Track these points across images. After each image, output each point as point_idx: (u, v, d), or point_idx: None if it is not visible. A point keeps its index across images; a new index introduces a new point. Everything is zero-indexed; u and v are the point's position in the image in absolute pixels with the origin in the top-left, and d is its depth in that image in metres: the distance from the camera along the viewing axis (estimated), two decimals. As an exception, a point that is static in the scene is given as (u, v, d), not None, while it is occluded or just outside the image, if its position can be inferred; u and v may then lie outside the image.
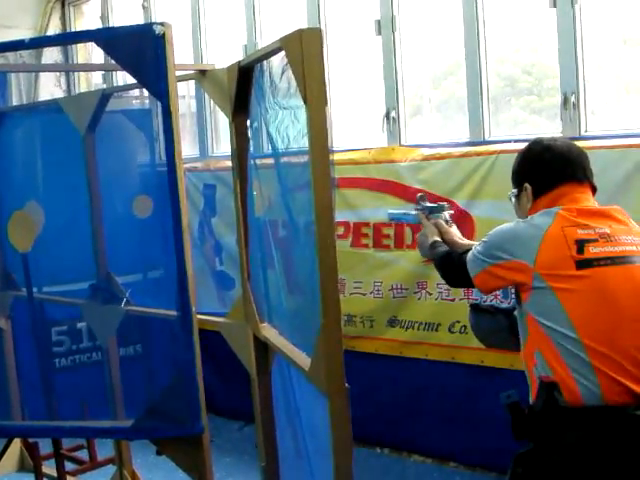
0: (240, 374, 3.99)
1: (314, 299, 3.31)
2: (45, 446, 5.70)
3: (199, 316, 3.70)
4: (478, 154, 5.47)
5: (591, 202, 3.19)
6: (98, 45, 2.73)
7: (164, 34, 2.56)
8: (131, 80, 6.92)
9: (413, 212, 3.98)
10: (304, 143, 3.37)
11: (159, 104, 7.02)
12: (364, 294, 6.09)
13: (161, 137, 6.85)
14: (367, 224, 6.05)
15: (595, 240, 2.99)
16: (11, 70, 7.58)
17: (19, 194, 5.47)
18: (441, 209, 3.93)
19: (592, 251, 2.96)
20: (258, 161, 3.78)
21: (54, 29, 8.41)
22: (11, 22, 8.13)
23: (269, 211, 4.03)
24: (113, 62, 7.57)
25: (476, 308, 3.68)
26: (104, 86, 8.15)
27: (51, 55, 8.11)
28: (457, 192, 5.54)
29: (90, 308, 4.86)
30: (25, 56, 7.63)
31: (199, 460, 2.84)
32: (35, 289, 5.34)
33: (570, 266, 2.94)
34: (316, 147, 2.82)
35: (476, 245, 3.25)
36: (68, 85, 8.44)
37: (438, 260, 3.60)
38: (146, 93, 7.54)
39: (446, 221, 3.87)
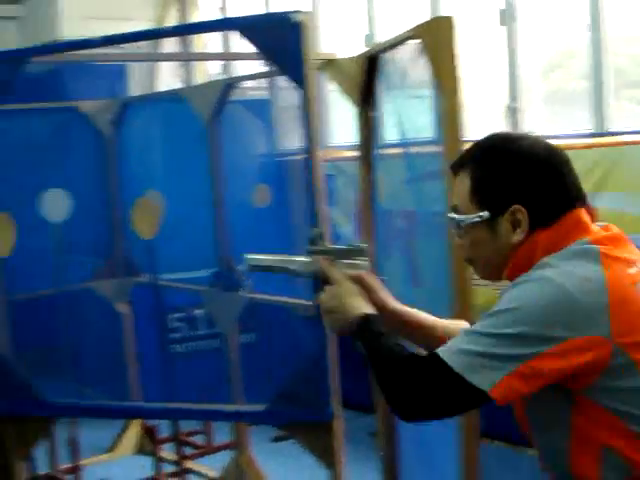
0: (356, 362, 4.00)
1: (442, 289, 3.30)
2: (162, 430, 5.81)
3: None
4: (603, 145, 5.37)
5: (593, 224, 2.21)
6: (240, 33, 2.75)
7: (303, 22, 2.58)
8: (252, 71, 7.01)
9: (301, 258, 2.31)
10: (433, 132, 3.38)
11: (279, 95, 7.19)
12: (486, 285, 6.02)
13: (277, 127, 7.02)
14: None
15: None
16: (142, 60, 7.78)
17: (141, 182, 5.59)
18: (358, 253, 2.28)
19: None
20: (384, 150, 3.79)
21: (172, 21, 8.55)
22: (130, 14, 8.29)
23: (394, 200, 4.04)
24: (233, 52, 7.74)
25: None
26: (222, 77, 8.25)
27: (168, 47, 8.24)
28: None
29: (211, 295, 4.93)
30: (144, 47, 7.74)
31: (330, 446, 2.86)
32: (155, 276, 5.46)
33: None
34: (449, 136, 2.82)
35: (471, 331, 1.98)
36: (186, 76, 8.57)
37: (382, 365, 2.02)
38: (265, 83, 7.65)
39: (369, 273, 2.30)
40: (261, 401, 3.52)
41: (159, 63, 8.35)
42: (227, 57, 7.05)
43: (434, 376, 1.92)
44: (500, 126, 6.21)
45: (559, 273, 1.99)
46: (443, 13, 6.55)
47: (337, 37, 7.59)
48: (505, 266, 2.11)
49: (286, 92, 7.77)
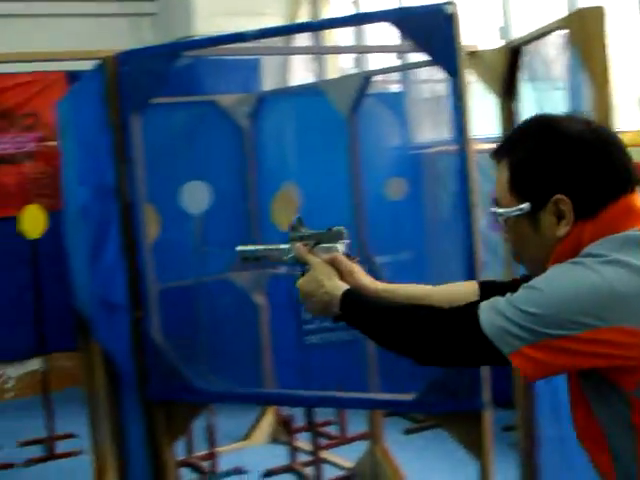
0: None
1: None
2: (296, 421, 5.89)
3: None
4: None
5: None
6: (392, 25, 2.79)
7: (455, 13, 2.60)
8: (385, 64, 7.03)
9: (284, 246, 2.41)
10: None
11: (412, 88, 7.18)
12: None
13: (411, 121, 7.03)
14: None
15: None
16: (293, 53, 7.97)
17: (278, 175, 5.68)
18: (337, 236, 2.35)
19: None
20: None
21: (304, 17, 8.62)
22: (262, 10, 8.39)
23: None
24: (366, 45, 7.76)
25: None
26: (354, 71, 8.29)
27: (300, 41, 8.32)
28: None
29: (350, 287, 4.95)
30: (277, 41, 7.82)
31: (479, 436, 2.87)
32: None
33: None
34: (601, 127, 2.79)
35: (506, 300, 1.91)
36: (319, 70, 8.63)
37: (389, 324, 2.09)
38: (398, 77, 7.67)
39: (346, 255, 2.35)
40: (399, 391, 3.56)
41: (292, 57, 8.43)
42: (374, 50, 7.08)
43: (464, 327, 1.93)
44: (635, 117, 6.10)
45: (599, 262, 1.84)
46: (580, 4, 6.46)
47: (471, 29, 7.56)
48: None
49: (420, 85, 7.81)
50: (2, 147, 7.62)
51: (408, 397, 2.76)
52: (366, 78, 4.77)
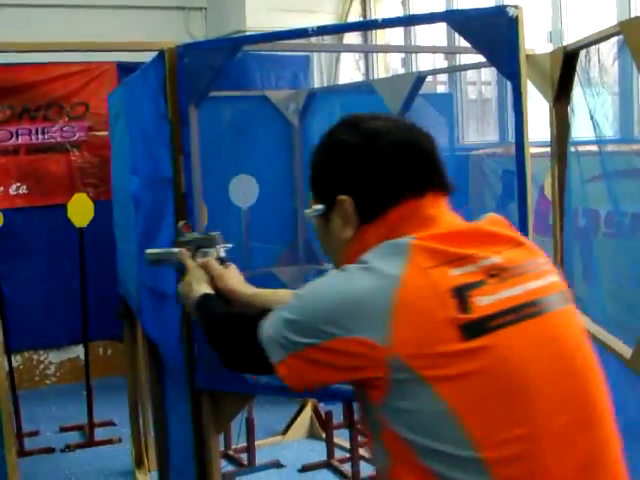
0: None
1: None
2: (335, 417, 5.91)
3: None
4: None
5: (457, 220, 1.90)
6: (452, 26, 2.81)
7: (518, 16, 2.62)
8: (434, 65, 7.04)
9: (176, 250, 2.65)
10: (637, 130, 3.36)
11: (459, 89, 7.19)
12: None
13: (457, 122, 7.04)
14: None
15: (481, 283, 1.74)
16: (349, 50, 8.00)
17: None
18: (212, 242, 2.58)
19: (481, 303, 1.71)
20: (578, 147, 3.77)
21: (355, 15, 8.65)
22: (314, 7, 8.42)
23: (583, 198, 4.01)
24: (415, 45, 7.77)
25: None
26: (402, 71, 8.31)
27: (349, 39, 8.34)
28: None
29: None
30: (327, 39, 7.87)
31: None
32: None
33: (452, 336, 1.67)
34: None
35: (280, 308, 1.88)
36: (367, 69, 8.66)
37: (209, 326, 2.19)
38: (445, 78, 7.68)
39: (220, 260, 2.54)
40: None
41: (342, 55, 8.46)
42: (429, 50, 7.13)
43: (247, 337, 1.90)
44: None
45: (356, 268, 1.77)
46: (633, 11, 6.42)
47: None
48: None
49: (468, 87, 7.81)
50: (51, 135, 7.70)
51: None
52: (419, 78, 4.78)
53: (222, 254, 2.53)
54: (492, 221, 1.90)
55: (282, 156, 5.86)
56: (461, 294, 1.70)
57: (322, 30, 3.10)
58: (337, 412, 5.88)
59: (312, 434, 6.40)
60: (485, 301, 1.71)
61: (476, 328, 1.68)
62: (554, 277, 1.87)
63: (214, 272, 2.46)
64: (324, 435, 6.05)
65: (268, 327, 1.85)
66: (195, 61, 3.09)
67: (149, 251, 2.84)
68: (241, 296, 2.48)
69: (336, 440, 5.90)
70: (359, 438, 5.48)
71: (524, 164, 2.73)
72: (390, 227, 1.85)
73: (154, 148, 3.50)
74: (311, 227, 5.70)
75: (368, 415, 1.84)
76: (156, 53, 3.34)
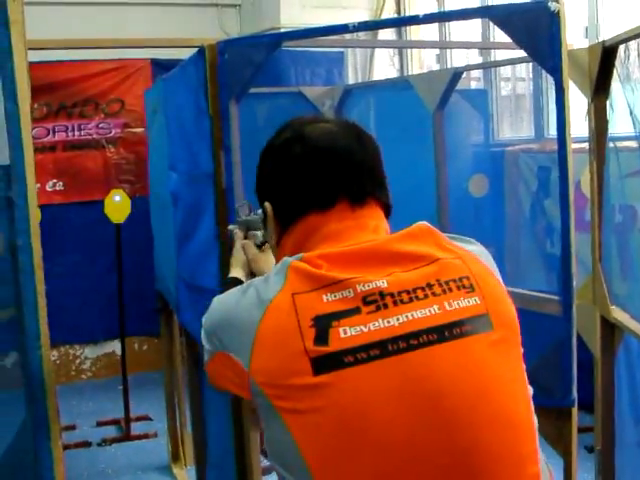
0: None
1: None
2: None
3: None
4: None
5: (370, 236, 1.75)
6: (493, 21, 2.80)
7: (560, 11, 2.61)
8: (469, 61, 7.03)
9: (230, 227, 2.64)
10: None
11: (495, 85, 7.17)
12: None
13: (493, 118, 7.02)
14: None
15: (353, 311, 1.60)
16: (389, 46, 8.02)
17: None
18: (258, 224, 2.38)
19: (344, 335, 1.58)
20: (617, 143, 3.75)
21: (389, 11, 8.64)
22: (348, 3, 8.43)
23: (621, 194, 4.00)
24: (450, 41, 7.76)
25: None
26: (436, 67, 8.30)
27: (385, 35, 8.34)
28: None
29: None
30: (361, 35, 7.88)
31: (567, 433, 2.88)
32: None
33: (304, 369, 1.58)
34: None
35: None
36: (401, 65, 8.65)
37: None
38: (479, 74, 7.67)
39: (261, 243, 2.44)
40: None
41: (376, 51, 8.47)
42: (472, 46, 7.11)
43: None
44: None
45: (248, 285, 1.75)
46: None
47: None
48: None
49: (502, 83, 7.79)
50: (87, 132, 7.75)
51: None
52: (456, 74, 4.77)
53: (260, 238, 2.44)
54: (410, 234, 1.75)
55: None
56: (323, 324, 1.59)
57: (362, 26, 3.11)
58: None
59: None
60: (350, 332, 1.59)
61: (326, 363, 1.57)
62: (464, 301, 1.66)
63: (249, 255, 2.41)
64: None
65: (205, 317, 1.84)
66: (235, 57, 3.11)
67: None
68: None
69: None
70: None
71: (566, 161, 2.72)
72: (296, 240, 1.80)
73: (194, 144, 3.53)
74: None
75: None
76: (194, 50, 3.36)
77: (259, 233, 2.43)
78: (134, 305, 6.71)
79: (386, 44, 8.03)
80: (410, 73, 8.32)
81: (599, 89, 3.68)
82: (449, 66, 7.78)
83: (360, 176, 1.79)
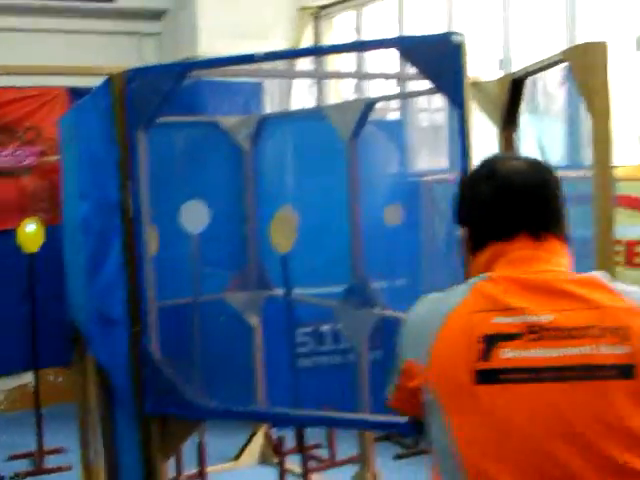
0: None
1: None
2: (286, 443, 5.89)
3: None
4: None
5: (550, 266, 1.97)
6: (400, 52, 2.83)
7: (462, 43, 2.65)
8: (383, 92, 7.08)
9: None
10: (582, 155, 3.41)
11: (409, 116, 7.23)
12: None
13: (409, 148, 7.08)
14: (619, 242, 5.95)
15: (517, 336, 1.84)
16: (304, 76, 8.05)
17: (277, 197, 5.71)
18: None
19: (504, 355, 1.84)
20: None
21: (308, 41, 8.69)
22: (266, 33, 8.47)
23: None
24: (370, 72, 7.82)
25: None
26: (354, 97, 8.35)
27: (301, 65, 8.37)
28: None
29: (344, 310, 4.98)
30: (279, 65, 7.90)
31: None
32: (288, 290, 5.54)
33: (467, 379, 1.85)
34: (600, 160, 2.83)
35: None
36: (319, 95, 8.69)
37: None
38: (396, 104, 7.73)
39: None
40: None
41: (293, 81, 8.50)
42: (380, 77, 7.18)
43: None
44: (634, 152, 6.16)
45: (432, 297, 2.05)
46: (579, 40, 6.52)
47: (472, 60, 7.62)
48: None
49: (418, 114, 7.87)
50: (2, 160, 7.63)
51: (403, 419, 2.78)
52: (368, 104, 4.80)
53: None
54: (582, 280, 1.94)
55: (233, 182, 5.85)
56: (490, 342, 1.85)
57: (270, 56, 3.12)
58: (289, 438, 5.86)
59: (264, 460, 6.37)
60: (510, 354, 1.83)
61: (486, 376, 1.83)
62: (617, 349, 1.83)
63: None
64: (276, 461, 6.02)
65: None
66: (143, 86, 3.10)
67: None
68: None
69: (288, 466, 5.87)
70: (311, 463, 5.46)
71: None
72: (486, 261, 2.01)
73: (102, 173, 3.49)
74: (262, 253, 5.69)
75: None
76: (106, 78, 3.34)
77: None
78: (49, 336, 6.60)
79: (302, 74, 8.07)
80: (328, 103, 8.36)
81: (508, 120, 3.73)
82: (368, 96, 7.84)
83: (543, 215, 2.02)
